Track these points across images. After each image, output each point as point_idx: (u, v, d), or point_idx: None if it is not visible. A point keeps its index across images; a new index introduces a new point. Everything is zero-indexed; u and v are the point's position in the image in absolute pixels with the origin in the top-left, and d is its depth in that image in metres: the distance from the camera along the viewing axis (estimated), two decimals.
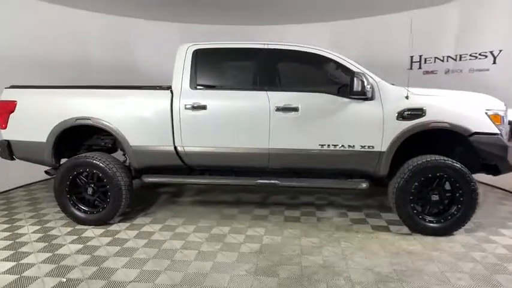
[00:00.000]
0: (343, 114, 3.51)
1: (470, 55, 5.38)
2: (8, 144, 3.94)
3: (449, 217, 3.48)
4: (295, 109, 3.54)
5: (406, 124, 3.44)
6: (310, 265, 2.96)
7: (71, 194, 3.87)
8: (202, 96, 3.67)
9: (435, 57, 5.96)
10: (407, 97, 3.45)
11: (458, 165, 3.38)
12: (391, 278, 2.75)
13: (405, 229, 3.68)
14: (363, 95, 3.35)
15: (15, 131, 3.89)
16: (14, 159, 4.06)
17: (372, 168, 3.59)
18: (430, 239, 3.47)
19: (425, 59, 6.04)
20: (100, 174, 3.77)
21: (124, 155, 4.17)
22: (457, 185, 3.41)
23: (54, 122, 3.81)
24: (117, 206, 3.82)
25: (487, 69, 5.11)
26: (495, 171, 3.61)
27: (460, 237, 3.49)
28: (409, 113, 3.42)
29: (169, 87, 3.82)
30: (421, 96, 3.47)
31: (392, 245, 3.36)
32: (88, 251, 3.27)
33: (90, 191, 3.86)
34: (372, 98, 3.46)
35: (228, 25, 6.83)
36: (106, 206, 3.83)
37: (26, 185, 5.61)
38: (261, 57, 3.70)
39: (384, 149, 3.50)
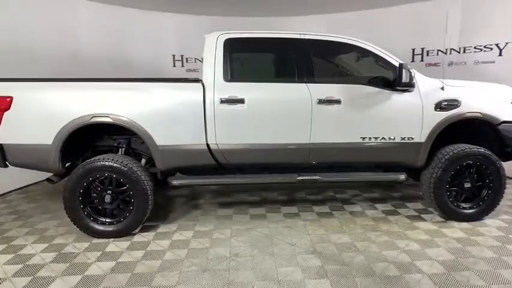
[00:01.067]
0: (385, 106, 3.49)
1: (475, 47, 5.57)
2: (1, 148, 3.28)
3: (481, 203, 3.66)
4: (338, 101, 3.43)
5: (443, 115, 3.52)
6: (377, 259, 2.90)
7: (85, 204, 3.35)
8: (238, 89, 3.39)
9: (438, 50, 6.10)
10: (442, 88, 3.53)
11: (489, 153, 3.56)
12: (459, 267, 2.79)
13: (437, 217, 3.80)
14: (411, 86, 3.35)
15: (10, 132, 3.24)
16: (7, 166, 3.40)
17: (411, 160, 3.63)
18: (465, 225, 3.61)
19: (427, 51, 6.24)
20: (122, 179, 3.31)
21: (140, 156, 3.72)
22: (488, 171, 3.59)
23: (64, 121, 3.25)
24: (142, 213, 3.39)
25: (493, 62, 5.37)
26: (508, 157, 3.85)
27: (490, 222, 3.68)
28: (446, 103, 3.51)
29: (197, 80, 3.48)
30: (455, 88, 3.57)
31: (437, 233, 3.43)
32: (125, 269, 2.84)
33: (108, 198, 3.37)
34: (411, 90, 3.49)
35: (227, 16, 6.52)
36: (129, 215, 3.37)
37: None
38: (298, 47, 3.51)
39: (423, 140, 3.56)
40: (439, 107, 3.51)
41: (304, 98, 3.41)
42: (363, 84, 3.50)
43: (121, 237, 3.41)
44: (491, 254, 3.00)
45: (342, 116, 3.46)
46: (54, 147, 3.27)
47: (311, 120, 3.43)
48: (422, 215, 3.89)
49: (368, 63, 3.71)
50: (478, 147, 3.57)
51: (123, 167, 3.28)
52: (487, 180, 3.62)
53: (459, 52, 5.70)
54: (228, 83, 3.41)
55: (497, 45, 5.28)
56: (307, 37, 3.54)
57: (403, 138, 3.55)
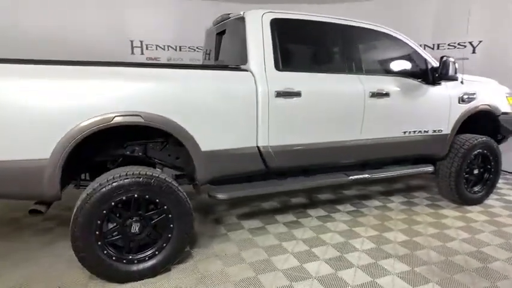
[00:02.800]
0: (423, 99, 3.48)
1: (449, 45, 5.82)
2: None
3: (484, 186, 4.03)
4: (387, 94, 3.26)
5: (464, 107, 3.72)
6: (449, 253, 2.87)
7: (104, 240, 2.38)
8: (292, 80, 2.88)
9: (424, 45, 6.06)
10: (462, 82, 3.72)
11: (492, 141, 3.93)
12: None
13: (451, 204, 4.03)
14: (455, 80, 3.40)
15: None
16: None
17: (438, 151, 3.73)
18: (477, 208, 3.93)
19: None
20: (157, 199, 2.45)
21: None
22: (491, 157, 3.96)
23: (70, 123, 2.21)
24: (184, 240, 2.60)
25: (467, 58, 5.51)
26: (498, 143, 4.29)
27: (492, 203, 4.09)
28: (467, 96, 3.71)
29: (238, 67, 2.83)
30: (471, 82, 3.80)
31: (465, 218, 3.63)
32: None
33: (136, 228, 2.47)
34: (440, 83, 3.56)
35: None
36: (166, 245, 2.54)
37: None
38: (349, 35, 3.19)
39: (449, 131, 3.69)
40: (461, 100, 3.69)
41: (359, 91, 3.13)
42: (405, 77, 3.41)
43: (154, 276, 2.55)
44: None
45: (389, 110, 3.31)
46: (54, 162, 2.21)
47: (363, 114, 3.18)
48: (437, 203, 4.08)
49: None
50: (486, 136, 3.89)
51: (161, 183, 2.43)
52: (489, 166, 4.00)
53: (433, 49, 6.07)
54: (281, 72, 2.86)
55: (470, 43, 5.64)
56: (360, 25, 3.26)
57: (435, 131, 3.62)
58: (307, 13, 3.06)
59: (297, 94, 2.86)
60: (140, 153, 2.79)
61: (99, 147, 2.65)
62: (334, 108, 3.05)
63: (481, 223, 3.52)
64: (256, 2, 5.85)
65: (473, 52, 5.58)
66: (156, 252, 2.53)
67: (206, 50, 4.02)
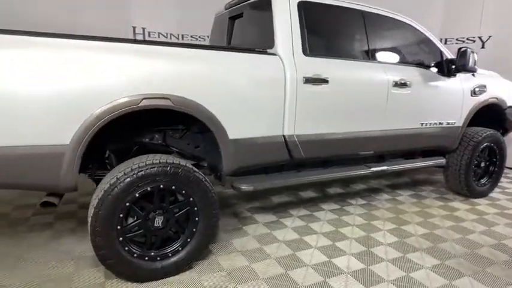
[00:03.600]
0: (439, 91, 3.44)
1: (457, 39, 5.77)
2: None
3: (490, 179, 4.08)
4: (408, 85, 3.19)
5: (476, 100, 3.73)
6: (472, 246, 2.86)
7: (125, 236, 2.15)
8: (320, 66, 2.74)
9: None
10: (474, 75, 3.72)
11: (499, 134, 3.98)
12: None
13: (458, 197, 4.06)
14: (474, 71, 3.39)
15: None
16: None
17: (450, 144, 3.73)
18: (483, 200, 3.97)
19: None
20: (183, 191, 2.25)
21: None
22: (497, 150, 4.02)
23: (94, 106, 1.97)
24: (210, 235, 2.41)
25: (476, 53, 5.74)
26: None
27: (496, 196, 4.16)
28: (479, 89, 3.73)
29: (265, 51, 2.66)
30: (481, 75, 3.82)
31: (476, 211, 3.65)
32: None
33: (159, 221, 2.25)
34: (455, 75, 3.55)
35: None
36: (190, 240, 2.34)
37: None
38: (374, 23, 3.09)
39: (461, 124, 3.70)
40: (473, 92, 3.70)
41: (383, 80, 3.05)
42: (423, 68, 3.36)
43: (178, 273, 2.35)
44: None
45: (409, 101, 3.25)
46: (74, 149, 1.96)
47: (386, 104, 3.10)
48: (444, 196, 4.10)
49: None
50: (492, 130, 3.94)
51: (189, 173, 2.23)
52: (494, 159, 4.06)
53: (441, 43, 6.05)
54: (309, 58, 2.72)
55: (480, 37, 5.54)
56: (384, 14, 3.18)
57: (448, 123, 3.61)
58: None
59: (325, 81, 2.73)
60: (160, 141, 2.57)
61: (114, 134, 2.40)
62: (360, 97, 2.94)
63: (493, 215, 3.55)
64: None
65: (483, 47, 5.51)
66: (180, 248, 2.33)
67: (215, 36, 3.82)
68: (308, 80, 2.66)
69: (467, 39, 5.76)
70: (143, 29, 5.68)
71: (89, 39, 2.01)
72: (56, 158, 1.94)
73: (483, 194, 4.04)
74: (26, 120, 1.85)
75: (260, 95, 2.52)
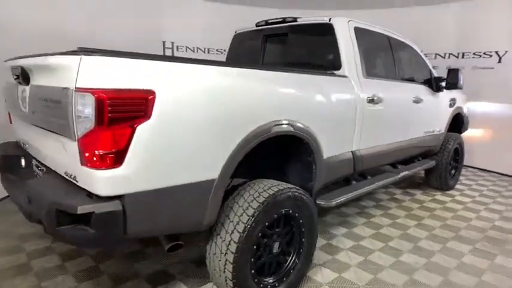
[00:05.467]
0: (435, 103, 4.10)
1: (474, 53, 5.80)
2: (122, 208, 1.50)
3: (455, 174, 4.98)
4: (419, 100, 3.73)
5: (451, 110, 4.54)
6: (479, 230, 3.54)
7: (255, 265, 2.09)
8: (375, 87, 3.04)
9: (436, 54, 6.27)
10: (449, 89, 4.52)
11: (461, 137, 4.89)
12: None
13: (431, 191, 4.82)
14: (461, 89, 4.10)
15: (147, 167, 1.55)
16: (123, 242, 1.61)
17: (436, 148, 4.44)
18: (455, 192, 4.83)
19: (425, 54, 6.23)
20: (297, 213, 2.28)
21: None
22: (460, 150, 4.94)
23: (239, 134, 1.89)
24: (311, 254, 2.48)
25: (492, 68, 5.61)
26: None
27: (460, 187, 5.08)
28: (452, 102, 4.54)
29: (333, 73, 2.84)
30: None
31: (457, 201, 4.44)
32: None
33: (277, 247, 2.25)
34: (443, 90, 4.26)
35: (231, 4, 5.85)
36: (298, 261, 2.38)
37: None
38: (398, 47, 3.57)
39: (443, 130, 4.45)
40: (450, 104, 4.49)
41: (409, 96, 3.52)
42: (424, 85, 3.96)
43: None
44: (500, 207, 4.28)
45: (420, 113, 3.82)
46: (220, 181, 1.85)
47: (410, 117, 3.59)
48: (427, 191, 4.83)
49: None
50: (456, 133, 4.82)
51: (303, 196, 2.28)
52: (457, 157, 4.97)
53: (457, 57, 6.05)
54: (367, 79, 3.00)
55: (496, 52, 5.60)
56: (403, 40, 3.68)
57: (438, 131, 4.31)
58: (377, 26, 3.29)
59: (381, 100, 3.05)
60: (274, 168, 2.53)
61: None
62: (398, 112, 3.37)
63: (471, 204, 4.38)
64: (290, 7, 5.91)
65: (499, 62, 5.64)
66: (291, 270, 2.35)
67: (235, 52, 3.80)
68: (370, 100, 2.93)
69: (484, 53, 5.79)
70: (172, 43, 5.96)
71: (233, 66, 1.91)
72: (207, 194, 1.81)
73: (453, 187, 4.92)
74: (184, 156, 1.68)
75: (342, 115, 2.71)
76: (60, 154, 1.66)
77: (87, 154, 1.44)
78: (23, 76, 1.87)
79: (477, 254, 3.06)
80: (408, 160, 4.23)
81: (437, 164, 4.59)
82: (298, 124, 2.23)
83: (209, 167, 1.79)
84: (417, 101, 3.68)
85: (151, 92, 1.51)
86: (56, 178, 1.74)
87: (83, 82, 1.41)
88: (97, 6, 5.07)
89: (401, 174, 3.69)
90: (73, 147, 1.50)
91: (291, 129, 2.18)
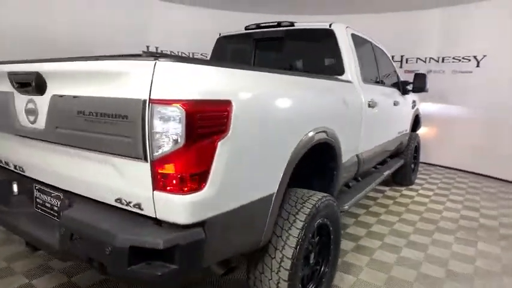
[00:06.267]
0: (404, 106, 4.41)
1: (454, 58, 6.08)
2: (205, 235, 1.31)
3: (415, 168, 5.43)
4: (398, 103, 3.98)
5: (413, 111, 4.93)
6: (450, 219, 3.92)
7: (300, 278, 2.01)
8: (371, 92, 3.15)
9: (417, 58, 6.54)
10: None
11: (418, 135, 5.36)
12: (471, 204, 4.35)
13: (396, 187, 5.20)
14: (426, 92, 4.45)
15: (225, 188, 1.38)
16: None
17: (403, 147, 4.78)
18: (417, 187, 5.26)
19: (406, 59, 6.65)
20: (329, 221, 2.25)
21: None
22: (418, 148, 5.40)
23: (292, 145, 1.79)
24: (337, 261, 2.47)
25: (471, 72, 5.88)
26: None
27: (418, 182, 5.54)
28: (414, 104, 4.93)
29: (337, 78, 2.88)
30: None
31: (423, 195, 4.84)
32: None
33: (313, 258, 2.19)
34: (409, 93, 4.60)
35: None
36: (327, 270, 2.35)
37: None
38: (377, 52, 3.70)
39: (409, 130, 4.81)
40: (412, 106, 4.87)
41: (391, 99, 3.72)
42: (396, 89, 4.23)
43: None
44: (459, 197, 4.78)
45: (397, 115, 4.07)
46: (278, 195, 1.75)
47: (392, 118, 3.82)
48: (393, 188, 5.17)
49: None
50: (414, 132, 5.26)
51: (333, 204, 2.26)
52: (415, 154, 5.43)
53: (438, 61, 6.34)
54: (364, 84, 3.09)
55: (475, 57, 5.86)
56: (381, 47, 3.83)
57: (405, 131, 4.65)
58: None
59: (376, 104, 3.17)
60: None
61: None
62: (387, 114, 3.56)
63: (434, 196, 4.81)
64: (268, 12, 5.88)
65: (477, 66, 5.91)
66: (323, 279, 2.32)
67: (218, 55, 3.65)
68: (369, 104, 3.03)
69: (463, 58, 6.07)
70: (156, 47, 6.04)
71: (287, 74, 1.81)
72: (267, 210, 1.68)
73: (414, 182, 5.36)
74: (255, 171, 1.55)
75: (354, 119, 2.76)
76: (108, 178, 1.39)
77: (167, 177, 1.22)
78: (38, 84, 1.53)
79: (461, 243, 3.36)
80: (383, 160, 4.51)
81: (406, 158, 4.96)
82: (330, 130, 2.21)
83: (272, 180, 1.67)
84: (395, 103, 3.93)
85: (230, 103, 1.34)
86: (97, 207, 1.46)
87: (160, 92, 1.19)
88: (80, 8, 5.07)
89: (385, 173, 3.90)
90: (140, 169, 1.27)
91: (326, 136, 2.15)
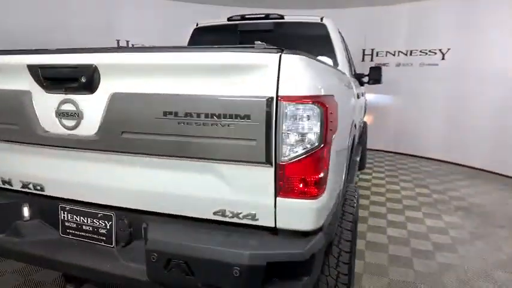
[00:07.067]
0: (363, 96, 4.72)
1: (421, 51, 6.24)
2: (324, 241, 1.24)
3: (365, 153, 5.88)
4: (362, 94, 4.23)
5: (364, 101, 5.31)
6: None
7: None
8: (355, 84, 3.30)
9: (387, 51, 6.70)
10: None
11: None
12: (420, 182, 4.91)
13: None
14: (380, 84, 4.79)
15: (333, 190, 1.32)
16: None
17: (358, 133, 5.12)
18: (367, 170, 5.72)
19: (377, 52, 6.77)
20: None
21: None
22: (365, 132, 5.85)
23: (348, 136, 1.79)
24: (353, 268, 2.54)
25: (437, 64, 6.09)
26: None
27: (368, 166, 6.02)
28: (364, 94, 5.31)
29: None
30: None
31: (377, 178, 5.29)
32: None
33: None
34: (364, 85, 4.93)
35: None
36: (350, 278, 2.40)
37: None
38: (346, 45, 3.87)
39: (363, 119, 5.17)
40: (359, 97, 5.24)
41: (360, 91, 3.94)
42: (356, 80, 4.49)
43: None
44: (407, 170, 5.35)
45: (362, 104, 4.33)
46: (343, 191, 1.73)
47: (361, 108, 4.04)
48: None
49: None
50: None
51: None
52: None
53: (406, 54, 6.52)
54: (350, 77, 3.22)
55: (440, 50, 6.08)
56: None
57: (362, 119, 4.98)
58: None
59: (358, 97, 3.33)
60: None
61: None
62: (360, 105, 3.75)
63: (388, 178, 5.30)
64: (242, 5, 5.96)
65: (443, 59, 6.15)
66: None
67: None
68: (357, 96, 3.18)
69: (430, 51, 6.26)
70: (127, 41, 5.92)
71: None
72: (337, 205, 1.64)
73: (365, 166, 5.81)
74: (342, 168, 1.49)
75: (356, 111, 2.85)
76: (207, 187, 1.20)
77: (294, 182, 1.10)
78: (90, 80, 1.23)
79: (430, 217, 3.77)
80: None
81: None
82: (357, 123, 2.25)
83: (342, 174, 1.63)
84: (361, 94, 4.18)
85: (335, 99, 1.27)
86: (185, 224, 1.25)
87: (290, 88, 1.06)
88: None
89: (357, 159, 4.13)
90: (260, 175, 1.12)
91: (355, 129, 2.19)
